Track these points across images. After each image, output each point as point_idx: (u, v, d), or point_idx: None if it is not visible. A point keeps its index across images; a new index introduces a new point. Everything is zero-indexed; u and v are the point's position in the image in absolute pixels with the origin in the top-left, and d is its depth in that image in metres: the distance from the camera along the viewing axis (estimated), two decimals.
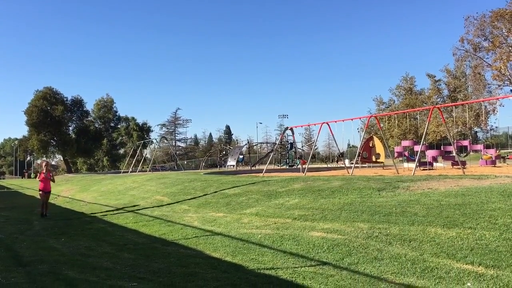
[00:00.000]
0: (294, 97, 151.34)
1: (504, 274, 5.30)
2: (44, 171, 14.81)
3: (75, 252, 8.20)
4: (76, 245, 8.97)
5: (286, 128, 27.46)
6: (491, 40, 42.37)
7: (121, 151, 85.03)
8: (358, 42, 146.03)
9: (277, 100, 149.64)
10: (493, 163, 23.68)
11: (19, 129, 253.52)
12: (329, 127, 21.85)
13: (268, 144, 53.78)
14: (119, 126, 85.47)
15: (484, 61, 44.14)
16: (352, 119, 21.60)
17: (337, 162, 45.25)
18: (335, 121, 21.57)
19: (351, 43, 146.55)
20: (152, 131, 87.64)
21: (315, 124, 24.61)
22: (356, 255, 6.62)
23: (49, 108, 61.47)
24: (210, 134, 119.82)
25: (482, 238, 6.53)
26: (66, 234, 10.35)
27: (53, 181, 15.07)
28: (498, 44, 40.71)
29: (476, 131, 54.93)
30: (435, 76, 54.08)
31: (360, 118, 23.47)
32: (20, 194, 28.16)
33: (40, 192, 14.66)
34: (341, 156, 34.64)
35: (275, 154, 44.54)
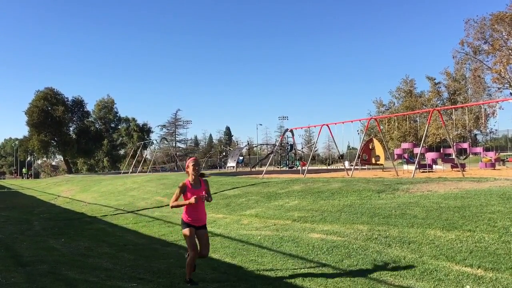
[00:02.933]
0: (294, 99, 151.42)
1: (503, 276, 5.32)
2: (193, 177, 5.88)
3: (75, 253, 8.22)
4: (76, 245, 8.99)
5: (286, 130, 27.52)
6: (491, 43, 42.41)
7: (122, 151, 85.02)
8: (358, 44, 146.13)
9: (277, 102, 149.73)
10: (493, 165, 23.71)
11: (19, 129, 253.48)
12: (329, 129, 21.90)
13: (268, 146, 53.78)
14: (119, 127, 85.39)
15: (484, 64, 44.23)
16: (352, 121, 21.63)
17: (328, 165, 45.32)
18: (335, 123, 21.60)
19: (352, 45, 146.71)
20: (153, 132, 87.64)
21: (315, 126, 24.64)
22: (355, 257, 6.64)
23: (49, 108, 61.49)
24: (210, 135, 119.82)
25: (481, 241, 6.55)
26: (66, 235, 10.36)
27: (209, 199, 5.91)
28: (498, 47, 40.76)
29: (475, 134, 54.99)
30: (435, 79, 54.23)
31: (360, 120, 23.47)
32: (21, 194, 28.19)
33: (186, 229, 5.80)
34: (341, 158, 34.62)
35: (275, 155, 44.54)
